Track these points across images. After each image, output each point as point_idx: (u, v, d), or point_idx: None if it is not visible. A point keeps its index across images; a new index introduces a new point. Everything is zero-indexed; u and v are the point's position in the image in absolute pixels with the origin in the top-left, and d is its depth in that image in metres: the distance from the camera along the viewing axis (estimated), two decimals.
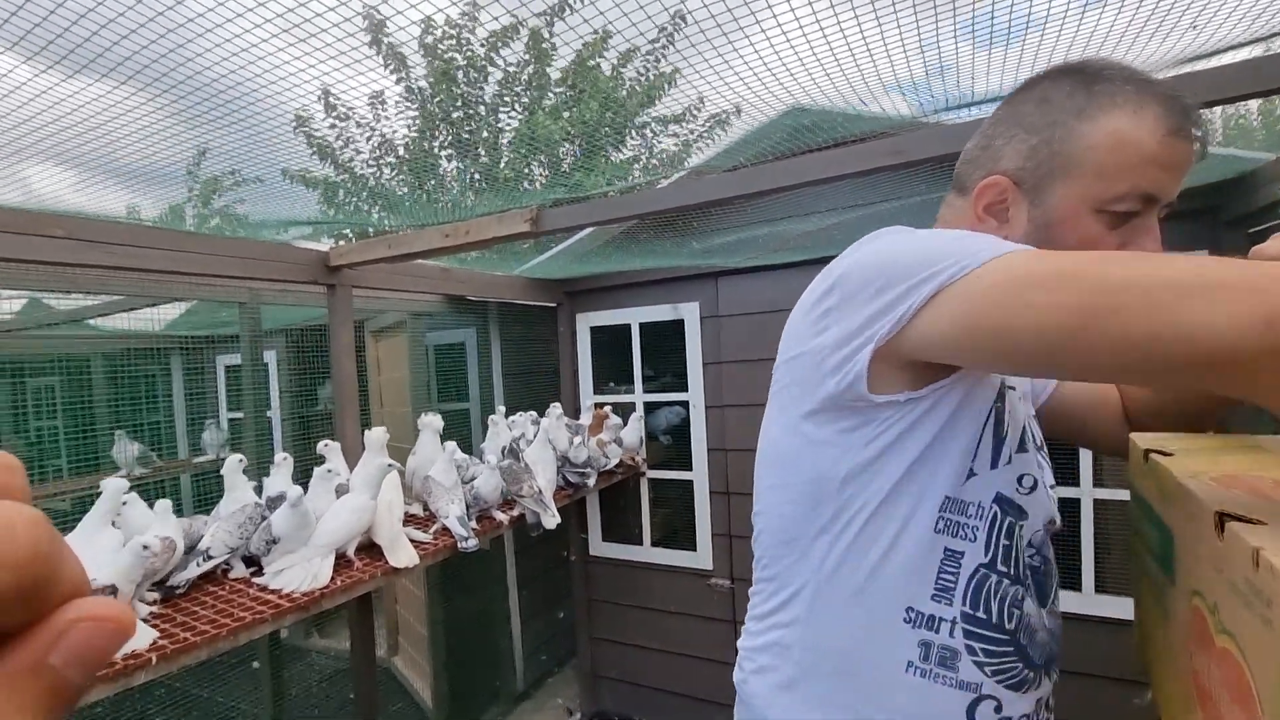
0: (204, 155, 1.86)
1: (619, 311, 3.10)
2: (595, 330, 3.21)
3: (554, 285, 3.13)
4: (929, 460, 0.64)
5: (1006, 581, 0.66)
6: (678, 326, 2.98)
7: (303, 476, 1.88)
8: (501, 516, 2.20)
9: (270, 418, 3.53)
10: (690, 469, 2.94)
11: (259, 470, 2.19)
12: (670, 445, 3.51)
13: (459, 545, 1.94)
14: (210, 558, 1.61)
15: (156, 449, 3.68)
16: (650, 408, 3.22)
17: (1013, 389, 0.71)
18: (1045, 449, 0.78)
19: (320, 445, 2.00)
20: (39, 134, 1.42)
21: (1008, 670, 0.67)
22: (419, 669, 3.32)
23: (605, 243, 2.65)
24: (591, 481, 2.55)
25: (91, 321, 3.60)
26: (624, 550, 3.13)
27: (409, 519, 2.02)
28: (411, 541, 1.90)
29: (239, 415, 3.48)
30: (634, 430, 2.85)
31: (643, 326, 3.05)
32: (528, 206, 1.61)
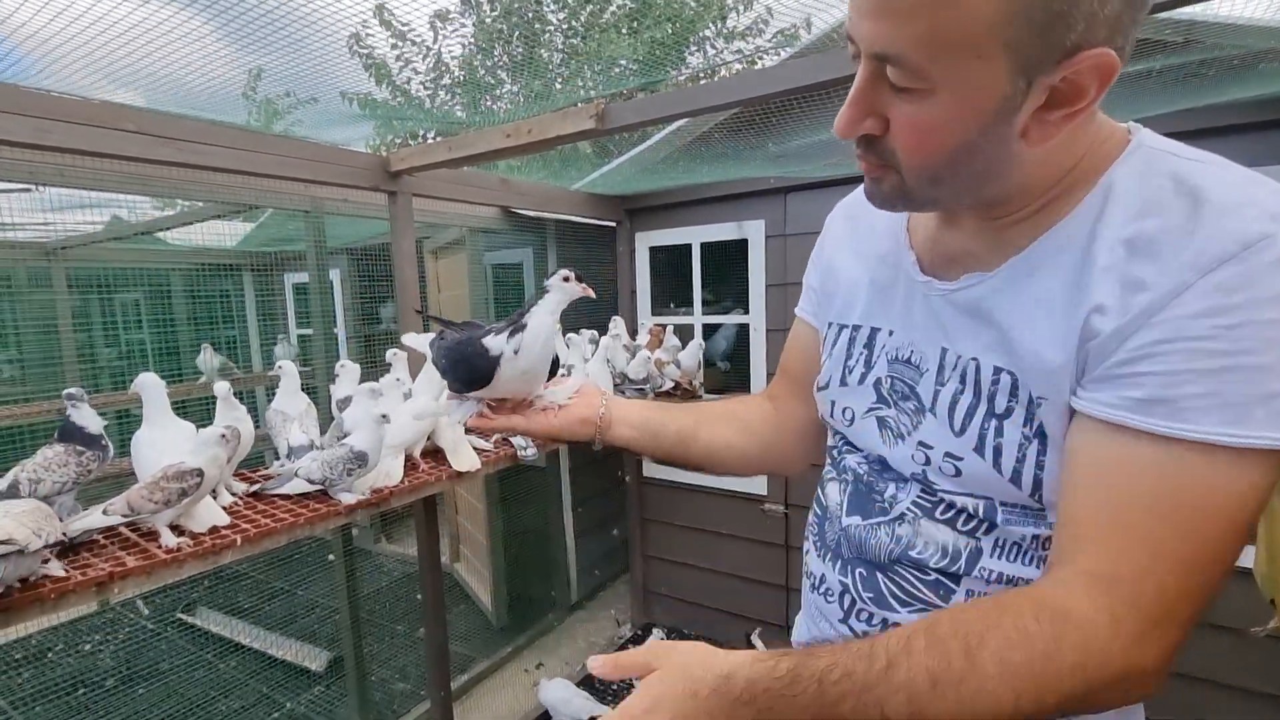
0: (259, 77, 1.83)
1: (680, 230, 2.99)
2: (655, 250, 3.12)
3: (614, 202, 3.03)
4: None
5: (829, 463, 0.84)
6: (740, 247, 2.86)
7: None
8: None
9: (336, 334, 3.64)
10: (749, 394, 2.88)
11: (329, 378, 2.24)
12: (728, 371, 3.45)
13: (518, 454, 1.96)
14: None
15: (234, 362, 3.87)
16: (709, 331, 3.15)
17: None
18: (931, 411, 0.67)
19: (390, 353, 2.03)
20: (107, 59, 1.40)
21: (809, 524, 0.86)
22: (479, 576, 3.49)
23: (673, 151, 2.51)
24: (650, 400, 2.53)
25: (170, 239, 3.74)
26: (678, 473, 3.14)
27: (471, 429, 2.05)
28: (474, 449, 1.93)
29: (308, 332, 3.61)
30: (692, 353, 2.79)
31: (704, 247, 2.94)
32: (593, 100, 1.50)
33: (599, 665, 0.59)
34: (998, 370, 0.61)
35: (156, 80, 1.59)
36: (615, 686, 2.82)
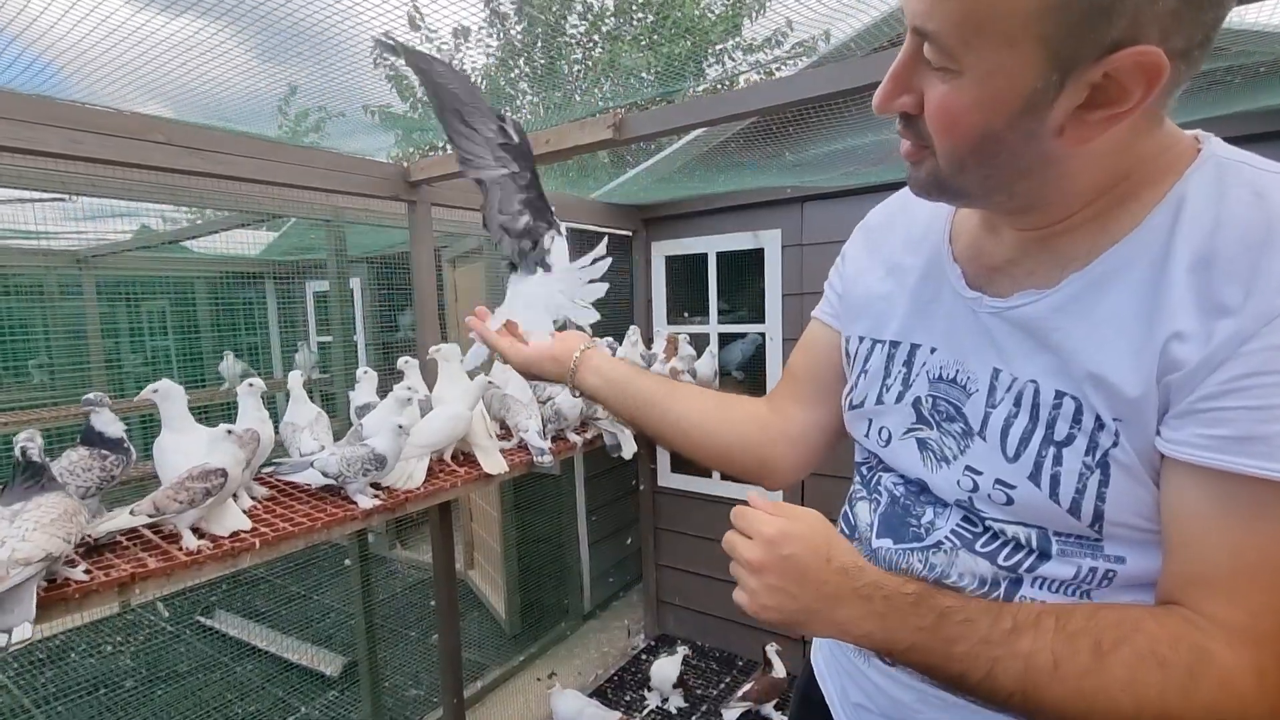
0: (294, 93, 1.87)
1: (696, 240, 2.99)
2: (670, 260, 3.12)
3: (631, 212, 3.04)
4: None
5: (858, 481, 0.82)
6: (756, 256, 2.85)
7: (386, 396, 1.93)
8: (575, 439, 2.22)
9: (356, 341, 3.69)
10: None
11: (348, 384, 2.27)
12: (744, 380, 3.44)
13: (534, 459, 1.97)
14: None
15: (255, 369, 3.94)
16: (725, 340, 3.14)
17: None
18: (976, 434, 0.64)
19: (401, 361, 2.05)
20: (138, 71, 1.44)
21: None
22: (493, 583, 3.49)
23: (690, 160, 2.52)
24: None
25: (195, 248, 3.83)
26: (693, 482, 3.12)
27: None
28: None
29: (328, 339, 3.66)
30: (708, 362, 2.79)
31: (720, 256, 2.94)
32: (611, 110, 1.52)
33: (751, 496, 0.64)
34: (1060, 394, 0.57)
35: (185, 92, 1.63)
36: (628, 698, 2.80)
